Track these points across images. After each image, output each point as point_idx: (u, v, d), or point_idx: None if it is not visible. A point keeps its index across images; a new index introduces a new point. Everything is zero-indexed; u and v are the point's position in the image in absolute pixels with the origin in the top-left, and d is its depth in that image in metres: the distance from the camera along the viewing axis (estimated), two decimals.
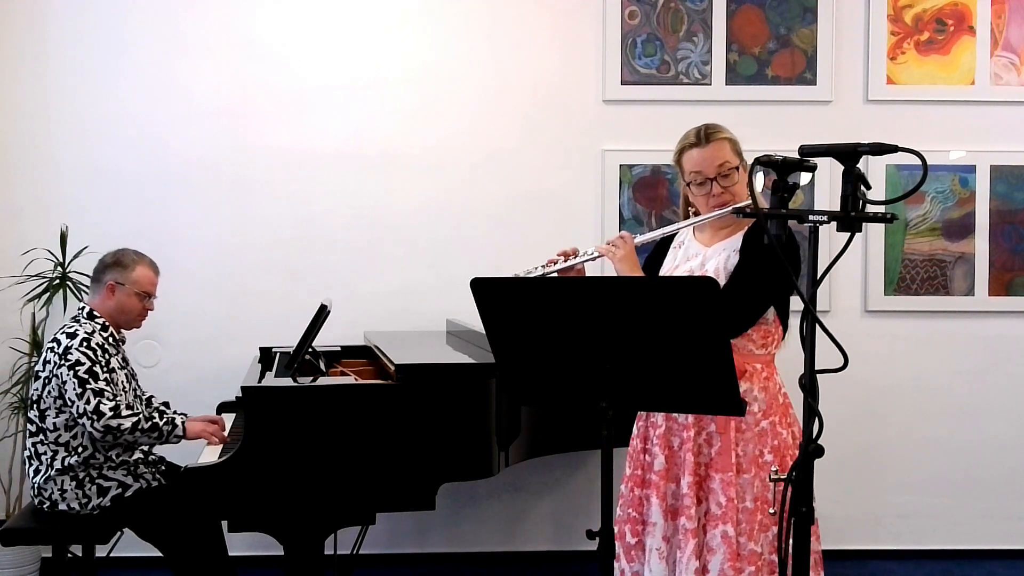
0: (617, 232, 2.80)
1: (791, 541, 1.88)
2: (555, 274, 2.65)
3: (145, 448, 3.17)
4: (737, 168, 2.52)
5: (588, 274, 2.74)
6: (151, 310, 3.22)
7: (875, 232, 4.08)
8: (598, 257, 2.63)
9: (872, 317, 4.14)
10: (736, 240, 2.55)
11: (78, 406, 2.92)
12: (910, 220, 4.12)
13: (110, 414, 2.91)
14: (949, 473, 4.17)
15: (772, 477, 1.99)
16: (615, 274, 2.61)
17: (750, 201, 2.48)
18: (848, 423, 4.07)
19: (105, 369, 3.00)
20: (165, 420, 3.01)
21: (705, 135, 2.53)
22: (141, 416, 2.96)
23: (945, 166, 4.11)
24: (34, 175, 4.00)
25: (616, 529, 2.52)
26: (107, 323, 3.12)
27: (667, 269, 2.67)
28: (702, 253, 2.60)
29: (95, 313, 3.12)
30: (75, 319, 3.12)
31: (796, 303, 2.32)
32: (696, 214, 2.61)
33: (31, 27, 3.99)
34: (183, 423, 3.06)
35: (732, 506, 2.44)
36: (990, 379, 4.17)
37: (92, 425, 2.91)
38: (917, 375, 4.16)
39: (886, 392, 4.15)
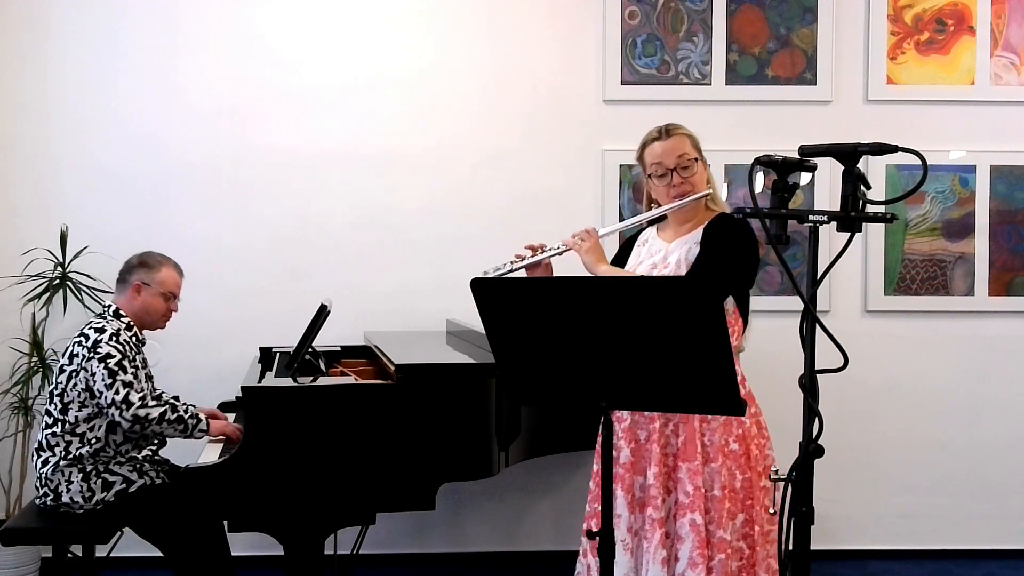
0: None
1: (784, 541, 1.89)
2: (522, 271, 2.75)
3: (154, 447, 3.20)
4: (696, 160, 2.66)
5: (556, 269, 2.84)
6: (175, 311, 3.27)
7: (875, 232, 4.08)
8: (565, 251, 2.74)
9: (872, 317, 4.14)
10: (697, 234, 2.65)
11: (106, 396, 2.94)
12: (910, 220, 4.12)
13: (139, 403, 2.94)
14: (949, 473, 4.17)
15: (772, 477, 2.00)
16: (582, 266, 2.73)
17: (709, 191, 2.68)
18: (848, 423, 4.07)
19: (132, 364, 3.03)
20: (190, 414, 3.03)
21: (666, 130, 2.70)
22: (167, 407, 2.98)
23: (945, 166, 4.11)
24: (34, 175, 4.01)
25: (584, 525, 2.56)
26: (132, 323, 3.16)
27: (630, 266, 2.78)
28: (664, 248, 2.71)
29: (121, 312, 3.16)
30: (101, 316, 3.15)
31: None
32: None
33: (31, 27, 3.98)
34: (207, 419, 3.09)
35: (699, 495, 2.50)
36: (990, 379, 4.16)
37: (121, 415, 2.94)
38: (917, 375, 4.16)
39: (886, 392, 4.15)
